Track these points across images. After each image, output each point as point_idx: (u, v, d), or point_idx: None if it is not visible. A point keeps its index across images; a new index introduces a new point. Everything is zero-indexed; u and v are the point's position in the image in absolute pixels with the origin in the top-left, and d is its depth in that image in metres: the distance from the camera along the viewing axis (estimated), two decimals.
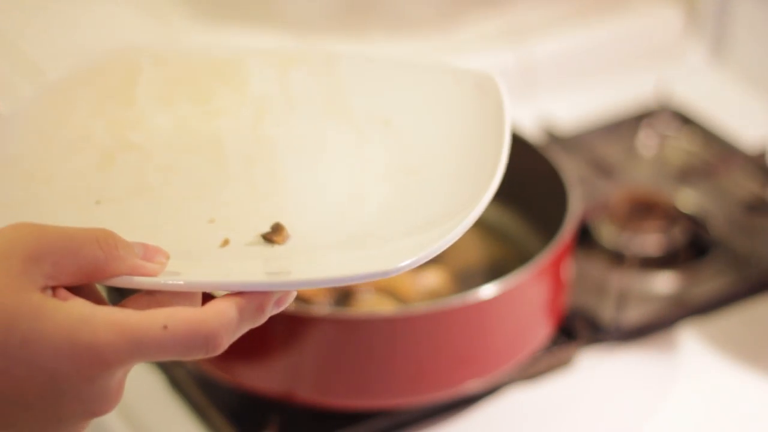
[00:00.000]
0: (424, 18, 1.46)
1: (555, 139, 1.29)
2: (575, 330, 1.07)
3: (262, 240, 0.67)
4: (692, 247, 1.18)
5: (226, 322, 0.62)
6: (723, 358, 1.08)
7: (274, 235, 0.67)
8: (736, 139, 1.32)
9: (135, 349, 0.60)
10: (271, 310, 0.64)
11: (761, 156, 1.27)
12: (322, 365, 0.96)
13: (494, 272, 1.09)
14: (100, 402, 0.62)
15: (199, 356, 0.62)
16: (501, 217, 1.16)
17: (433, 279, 1.08)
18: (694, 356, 1.08)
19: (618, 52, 1.46)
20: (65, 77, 0.79)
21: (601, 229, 1.18)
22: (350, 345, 0.95)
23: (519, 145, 1.12)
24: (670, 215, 1.19)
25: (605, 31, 1.46)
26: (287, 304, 0.65)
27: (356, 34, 1.44)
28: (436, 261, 1.11)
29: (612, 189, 1.22)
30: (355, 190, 0.71)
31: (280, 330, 0.95)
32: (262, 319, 0.64)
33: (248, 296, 0.63)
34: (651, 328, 1.10)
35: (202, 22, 1.45)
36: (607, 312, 1.09)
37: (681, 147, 1.31)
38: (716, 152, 1.30)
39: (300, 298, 1.04)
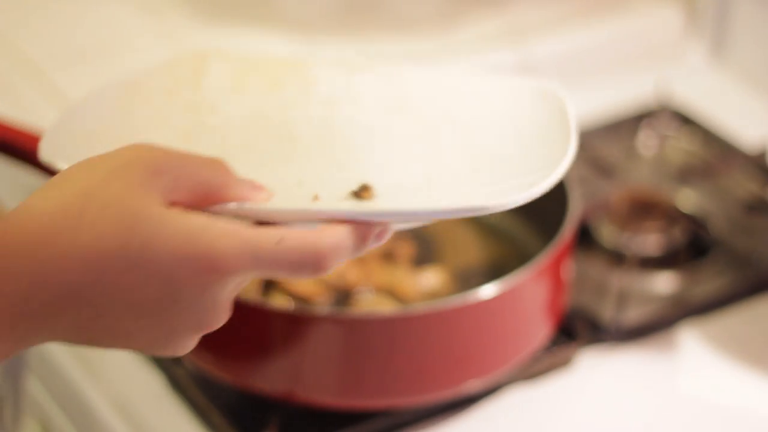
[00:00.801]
0: (424, 18, 1.46)
1: None
2: (575, 330, 1.07)
3: (352, 196, 0.69)
4: (692, 247, 1.18)
5: (336, 244, 0.64)
6: (723, 358, 1.08)
7: (362, 192, 0.69)
8: (736, 139, 1.32)
9: (249, 259, 0.62)
10: (372, 243, 0.67)
11: (761, 156, 1.27)
12: (322, 365, 0.96)
13: (494, 272, 1.09)
14: (211, 314, 0.63)
15: (306, 275, 0.64)
16: (501, 217, 1.15)
17: (433, 279, 1.08)
18: (694, 356, 1.08)
19: (618, 52, 1.46)
20: (134, 73, 0.82)
21: (601, 229, 1.18)
22: (350, 345, 0.95)
23: None
24: (670, 215, 1.19)
25: (605, 31, 1.46)
26: (385, 240, 0.67)
27: (356, 34, 1.44)
28: (436, 261, 1.11)
29: (612, 189, 1.22)
30: (431, 171, 0.73)
31: (280, 330, 0.95)
32: (364, 250, 0.66)
33: (355, 225, 0.65)
34: (651, 328, 1.10)
35: (202, 22, 1.45)
36: (607, 312, 1.09)
37: (681, 147, 1.31)
38: (716, 152, 1.30)
39: (300, 297, 1.04)
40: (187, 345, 0.64)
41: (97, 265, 0.60)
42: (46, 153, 0.73)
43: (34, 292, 0.60)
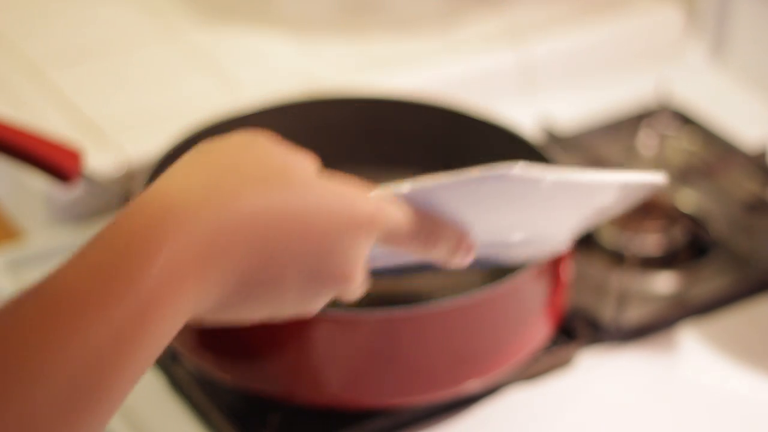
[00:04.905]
0: (424, 18, 1.46)
1: (555, 139, 1.29)
2: (575, 330, 1.07)
3: None
4: (692, 247, 1.18)
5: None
6: (723, 358, 1.08)
7: None
8: (736, 139, 1.32)
9: (386, 218, 0.71)
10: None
11: (761, 156, 1.27)
12: (322, 365, 0.96)
13: (494, 272, 1.09)
14: (356, 268, 0.70)
15: (423, 243, 0.76)
16: None
17: None
18: (694, 356, 1.08)
19: (618, 52, 1.46)
20: None
21: (601, 229, 1.18)
22: (350, 345, 0.95)
23: (519, 145, 1.13)
24: (670, 215, 1.19)
25: (605, 31, 1.46)
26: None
27: (356, 34, 1.44)
28: None
29: None
30: None
31: (280, 330, 0.95)
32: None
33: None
34: (651, 328, 1.10)
35: (202, 22, 1.45)
36: (607, 312, 1.09)
37: (681, 147, 1.31)
38: (716, 152, 1.30)
39: None
40: (323, 302, 0.70)
41: (266, 218, 0.65)
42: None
43: (214, 243, 0.64)
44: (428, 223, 0.74)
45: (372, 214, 0.69)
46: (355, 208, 0.69)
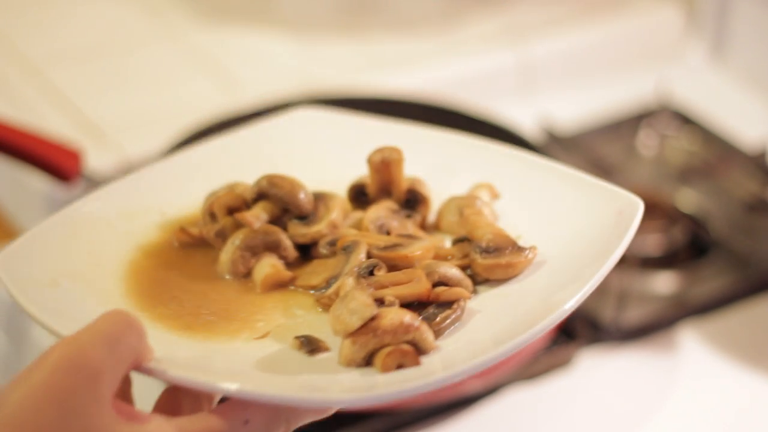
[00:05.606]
0: (424, 18, 1.46)
1: (555, 139, 1.29)
2: (575, 330, 1.07)
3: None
4: (692, 247, 1.18)
5: None
6: (723, 358, 1.08)
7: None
8: (736, 139, 1.32)
9: None
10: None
11: (761, 156, 1.27)
12: None
13: None
14: None
15: None
16: None
17: None
18: (694, 356, 1.08)
19: (618, 52, 1.46)
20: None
21: None
22: None
23: (519, 145, 1.12)
24: (670, 215, 1.19)
25: (605, 31, 1.46)
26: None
27: (356, 34, 1.44)
28: None
29: None
30: None
31: None
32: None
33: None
34: (651, 328, 1.10)
35: (202, 22, 1.45)
36: (607, 312, 1.09)
37: (681, 147, 1.31)
38: (716, 152, 1.30)
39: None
40: None
41: None
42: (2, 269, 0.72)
43: None
44: (277, 416, 0.67)
45: None
46: None
